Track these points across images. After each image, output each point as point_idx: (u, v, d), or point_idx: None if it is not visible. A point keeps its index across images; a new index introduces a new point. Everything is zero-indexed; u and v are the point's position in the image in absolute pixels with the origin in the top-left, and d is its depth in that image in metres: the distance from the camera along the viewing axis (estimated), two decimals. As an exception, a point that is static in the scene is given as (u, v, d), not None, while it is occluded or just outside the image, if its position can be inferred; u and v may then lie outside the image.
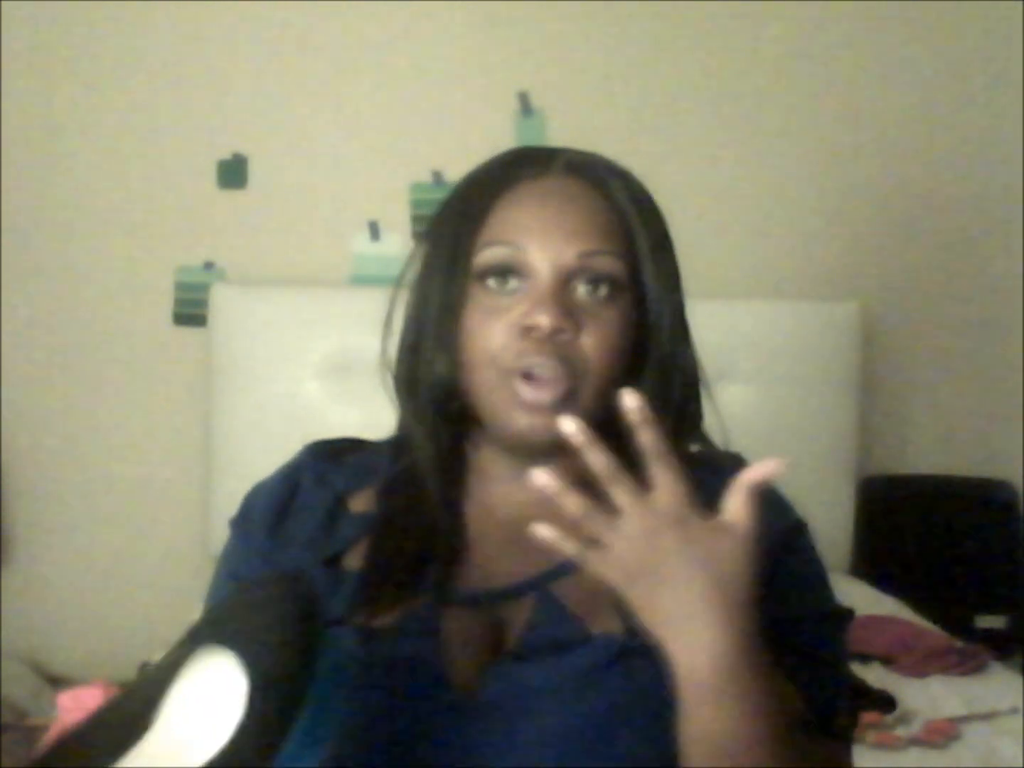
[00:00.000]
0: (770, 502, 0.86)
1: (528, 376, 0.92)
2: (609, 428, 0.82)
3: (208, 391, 2.64)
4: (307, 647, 0.72)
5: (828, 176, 2.83)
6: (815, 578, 0.97)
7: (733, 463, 0.98)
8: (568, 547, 0.78)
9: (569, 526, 0.78)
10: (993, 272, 2.91)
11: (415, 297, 1.00)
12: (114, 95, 2.67)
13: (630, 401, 0.77)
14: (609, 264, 0.95)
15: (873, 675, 2.12)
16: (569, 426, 0.77)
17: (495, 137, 2.38)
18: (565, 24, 2.73)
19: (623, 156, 1.02)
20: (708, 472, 0.87)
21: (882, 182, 2.85)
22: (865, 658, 2.18)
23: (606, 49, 2.75)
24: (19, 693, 2.46)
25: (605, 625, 0.90)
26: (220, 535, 1.04)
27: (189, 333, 2.71)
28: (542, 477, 0.77)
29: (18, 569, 2.74)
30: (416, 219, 2.71)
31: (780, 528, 0.94)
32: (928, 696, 2.06)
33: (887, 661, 2.20)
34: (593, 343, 0.93)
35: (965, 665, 2.19)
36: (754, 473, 0.79)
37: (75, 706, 1.73)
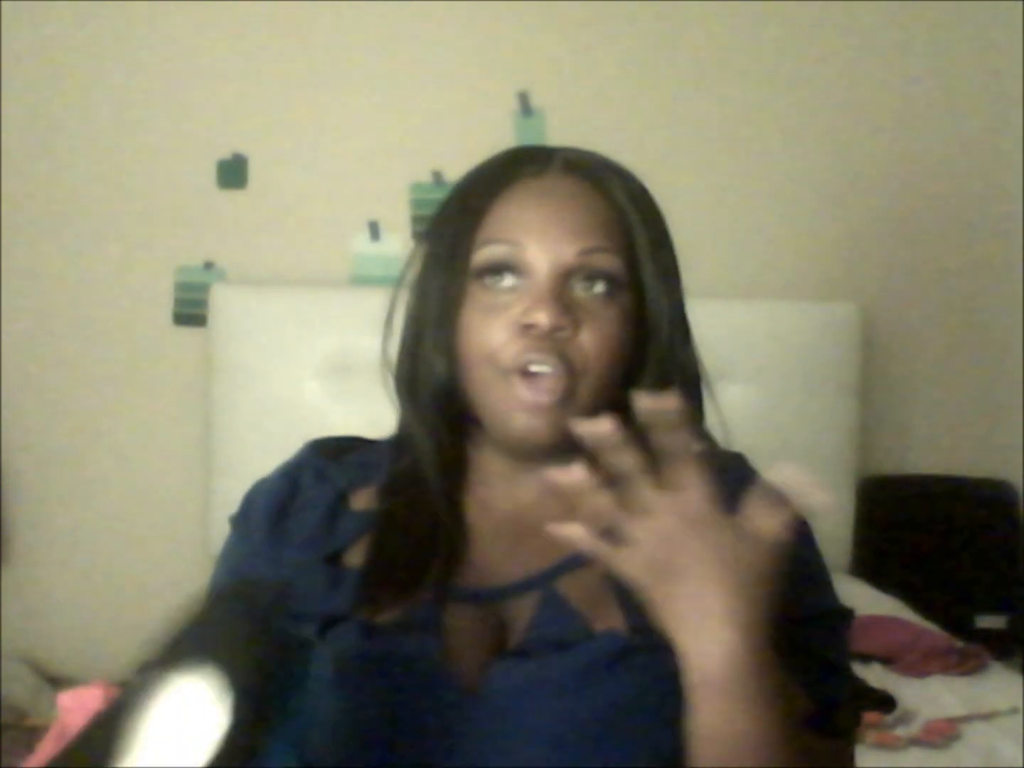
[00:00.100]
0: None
1: (527, 374, 0.92)
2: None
3: (208, 391, 2.64)
4: (266, 659, 0.71)
5: (828, 176, 2.83)
6: (817, 577, 0.97)
7: (736, 463, 0.99)
8: (591, 544, 0.78)
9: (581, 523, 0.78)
10: (993, 273, 2.91)
11: (415, 296, 1.00)
12: (114, 95, 2.67)
13: (668, 402, 0.75)
14: (608, 262, 0.95)
15: (873, 675, 2.12)
16: (606, 426, 0.76)
17: (495, 137, 2.36)
18: (565, 24, 2.73)
19: (623, 156, 1.02)
20: (711, 471, 0.86)
21: (882, 182, 2.85)
22: (865, 658, 2.18)
23: (606, 49, 2.75)
24: (19, 693, 2.46)
25: (608, 622, 0.89)
26: (220, 535, 1.04)
27: (189, 333, 2.71)
28: (577, 472, 0.76)
29: (18, 569, 2.73)
30: (416, 219, 2.71)
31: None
32: (928, 696, 2.06)
33: (887, 661, 2.20)
34: (592, 341, 0.93)
35: (965, 665, 2.19)
36: (789, 479, 0.77)
37: (75, 706, 1.72)
